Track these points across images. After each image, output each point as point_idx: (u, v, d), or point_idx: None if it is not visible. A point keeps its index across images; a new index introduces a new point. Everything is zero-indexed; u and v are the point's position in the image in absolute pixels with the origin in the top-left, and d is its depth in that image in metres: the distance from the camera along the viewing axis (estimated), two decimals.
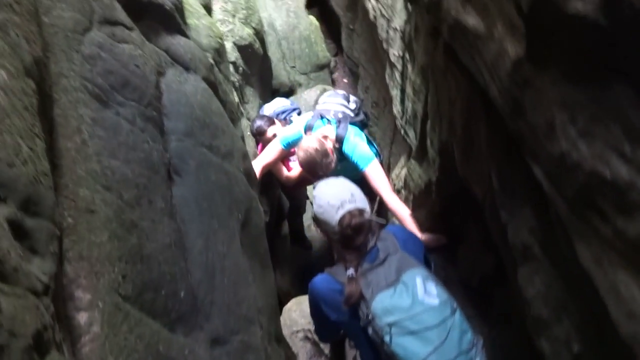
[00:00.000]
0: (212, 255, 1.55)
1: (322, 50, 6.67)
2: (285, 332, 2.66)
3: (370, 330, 1.83)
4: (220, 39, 2.74)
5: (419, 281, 1.88)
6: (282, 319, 2.76)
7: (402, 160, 3.70)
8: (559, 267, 1.59)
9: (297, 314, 2.81)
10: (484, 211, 2.17)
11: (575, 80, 1.19)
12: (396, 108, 3.33)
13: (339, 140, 3.19)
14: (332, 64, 7.05)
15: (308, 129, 3.31)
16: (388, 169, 4.25)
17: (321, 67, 6.64)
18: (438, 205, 2.79)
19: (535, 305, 1.73)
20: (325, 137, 3.12)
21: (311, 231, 4.81)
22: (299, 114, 4.17)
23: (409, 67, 2.80)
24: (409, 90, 2.85)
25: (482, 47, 1.46)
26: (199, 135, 1.77)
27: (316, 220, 2.11)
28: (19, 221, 0.87)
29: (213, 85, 2.04)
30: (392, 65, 3.24)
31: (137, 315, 1.26)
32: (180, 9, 2.29)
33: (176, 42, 1.97)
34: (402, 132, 3.30)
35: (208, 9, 3.49)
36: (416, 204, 3.00)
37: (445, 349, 1.77)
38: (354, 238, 1.97)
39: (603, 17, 1.02)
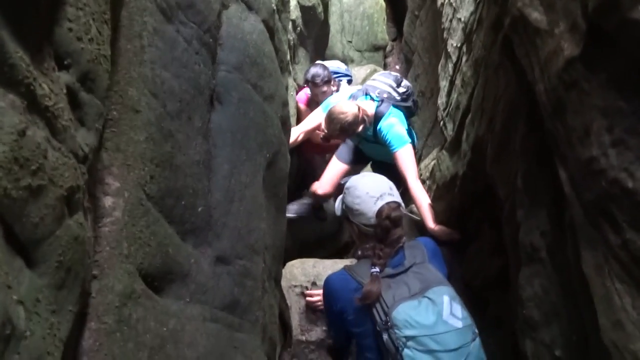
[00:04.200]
0: (234, 182, 1.62)
1: (382, 31, 6.64)
2: (284, 284, 2.74)
3: (385, 336, 1.78)
4: None
5: (446, 300, 1.81)
6: (283, 271, 2.84)
7: (434, 153, 3.71)
8: (560, 273, 1.61)
9: (298, 270, 2.89)
10: (503, 212, 2.19)
11: (622, 88, 1.20)
12: (441, 99, 3.34)
13: (377, 117, 3.23)
14: (389, 47, 7.01)
15: (352, 99, 3.37)
16: (419, 160, 4.27)
17: (377, 49, 6.62)
18: (458, 201, 2.81)
19: (529, 306, 1.76)
20: (363, 109, 3.18)
21: (329, 203, 4.89)
22: (349, 82, 4.21)
23: (464, 59, 2.80)
24: (458, 81, 2.85)
25: (540, 42, 1.47)
26: (247, 71, 1.83)
27: (348, 211, 2.01)
28: (76, 92, 0.95)
29: (270, 30, 2.09)
30: (448, 56, 3.23)
31: (155, 215, 1.35)
32: None
33: None
34: (442, 124, 3.31)
35: None
36: (437, 195, 3.03)
37: None
38: (390, 230, 1.91)
39: None
